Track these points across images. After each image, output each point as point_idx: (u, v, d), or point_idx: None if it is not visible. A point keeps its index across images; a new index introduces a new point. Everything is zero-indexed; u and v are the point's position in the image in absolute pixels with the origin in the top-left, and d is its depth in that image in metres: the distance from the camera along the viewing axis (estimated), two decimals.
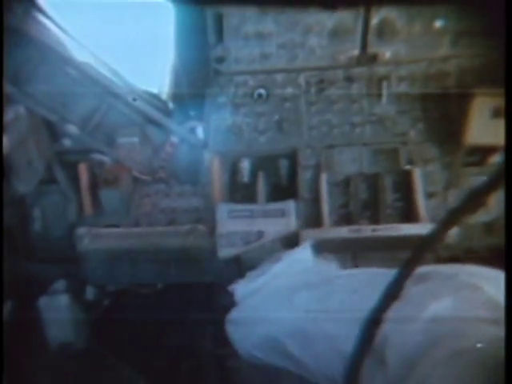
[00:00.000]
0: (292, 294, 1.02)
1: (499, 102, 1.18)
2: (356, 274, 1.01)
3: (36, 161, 1.40)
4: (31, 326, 1.59)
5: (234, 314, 1.14)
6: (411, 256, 0.54)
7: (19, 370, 1.45)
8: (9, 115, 1.25)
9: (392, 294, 0.57)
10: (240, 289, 1.16)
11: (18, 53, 1.24)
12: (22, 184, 1.38)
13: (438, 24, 1.25)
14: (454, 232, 1.25)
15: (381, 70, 1.37)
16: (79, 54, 1.35)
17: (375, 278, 0.89)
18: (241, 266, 1.45)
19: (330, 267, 1.16)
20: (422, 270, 0.74)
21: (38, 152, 1.40)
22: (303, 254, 1.22)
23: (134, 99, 1.41)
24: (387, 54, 1.31)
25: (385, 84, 1.36)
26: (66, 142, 1.51)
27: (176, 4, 1.29)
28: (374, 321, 0.60)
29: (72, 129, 1.38)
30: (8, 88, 1.23)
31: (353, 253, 1.50)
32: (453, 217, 0.51)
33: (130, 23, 1.49)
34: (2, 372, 1.11)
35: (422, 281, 0.77)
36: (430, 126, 1.36)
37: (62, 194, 1.57)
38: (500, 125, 1.19)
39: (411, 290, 0.71)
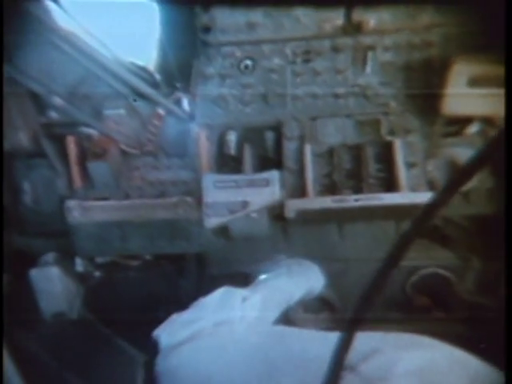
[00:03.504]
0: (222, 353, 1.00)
1: (476, 70, 1.18)
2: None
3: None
4: (24, 297, 1.62)
5: (159, 366, 1.06)
6: (412, 225, 0.54)
7: (15, 341, 1.49)
8: None
9: (390, 263, 0.56)
10: (164, 338, 1.10)
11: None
12: None
13: None
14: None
15: (366, 39, 1.36)
16: (66, 24, 1.34)
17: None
18: (228, 236, 1.49)
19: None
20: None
21: (24, 123, 1.40)
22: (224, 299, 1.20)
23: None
24: (371, 22, 1.30)
25: (370, 54, 1.36)
26: (53, 115, 1.52)
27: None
28: (368, 297, 0.59)
29: (58, 101, 1.38)
30: None
31: (338, 225, 1.54)
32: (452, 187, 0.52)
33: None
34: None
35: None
36: (411, 96, 1.37)
37: (51, 168, 1.58)
38: (476, 94, 1.20)
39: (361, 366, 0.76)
